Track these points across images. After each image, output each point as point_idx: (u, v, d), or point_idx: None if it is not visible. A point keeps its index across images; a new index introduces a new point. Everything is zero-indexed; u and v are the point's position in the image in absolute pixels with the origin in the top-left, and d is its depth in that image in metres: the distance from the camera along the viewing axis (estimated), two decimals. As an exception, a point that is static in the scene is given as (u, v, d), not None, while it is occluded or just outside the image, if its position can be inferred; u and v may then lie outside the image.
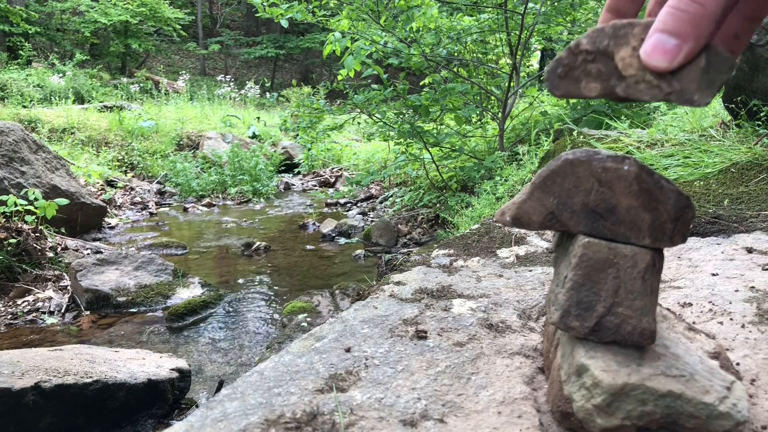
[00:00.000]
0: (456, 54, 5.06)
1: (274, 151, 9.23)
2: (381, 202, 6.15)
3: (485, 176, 4.31)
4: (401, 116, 4.66)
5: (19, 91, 9.85)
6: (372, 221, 5.24)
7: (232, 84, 15.34)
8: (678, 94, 0.48)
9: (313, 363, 0.79)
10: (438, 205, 4.69)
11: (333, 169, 8.97)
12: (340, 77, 4.60)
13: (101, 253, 3.74)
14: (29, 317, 2.91)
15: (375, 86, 4.87)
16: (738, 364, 0.76)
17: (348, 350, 0.83)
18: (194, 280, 3.32)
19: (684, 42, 0.46)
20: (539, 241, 1.50)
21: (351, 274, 3.69)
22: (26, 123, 7.39)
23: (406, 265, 1.39)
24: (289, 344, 0.87)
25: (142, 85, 14.04)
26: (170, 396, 1.95)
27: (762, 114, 2.17)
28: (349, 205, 6.44)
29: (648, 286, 0.59)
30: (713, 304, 0.96)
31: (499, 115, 4.85)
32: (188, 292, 3.18)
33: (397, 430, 0.63)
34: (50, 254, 3.58)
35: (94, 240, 4.55)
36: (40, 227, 3.66)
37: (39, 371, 1.72)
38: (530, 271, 1.25)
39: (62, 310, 2.99)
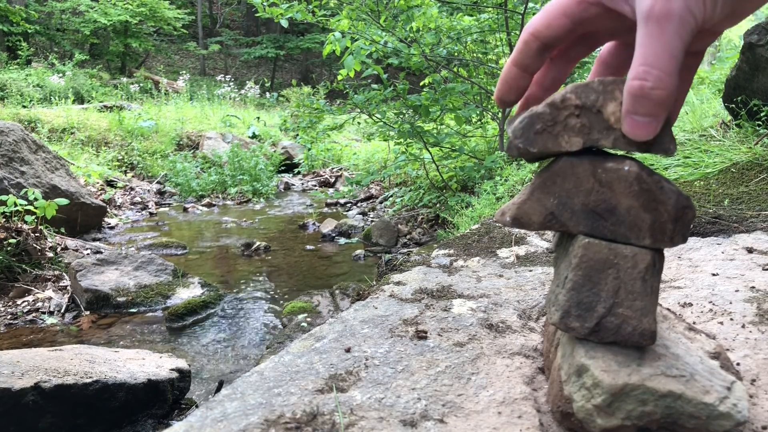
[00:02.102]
0: (456, 54, 5.06)
1: (274, 151, 9.24)
2: (381, 202, 6.15)
3: (485, 176, 4.31)
4: (401, 116, 4.66)
5: (18, 91, 9.85)
6: (372, 221, 5.24)
7: (232, 84, 15.34)
8: (658, 146, 0.54)
9: (313, 363, 0.79)
10: (438, 205, 4.69)
11: (333, 169, 8.97)
12: (340, 77, 4.60)
13: (101, 253, 3.74)
14: (29, 317, 2.91)
15: (375, 86, 4.87)
16: (738, 364, 0.76)
17: (348, 350, 0.83)
18: (194, 280, 3.32)
19: (656, 118, 0.51)
20: (539, 241, 1.50)
21: (351, 274, 3.69)
22: (26, 123, 7.39)
23: (406, 265, 1.39)
24: (289, 344, 0.87)
25: (141, 85, 14.04)
26: (170, 396, 1.95)
27: (762, 114, 2.17)
28: (349, 205, 6.44)
29: (648, 286, 0.59)
30: (713, 304, 0.96)
31: (499, 115, 4.85)
32: (188, 292, 3.18)
33: (397, 431, 0.63)
34: (50, 254, 3.58)
35: (94, 240, 4.55)
36: (39, 227, 3.66)
37: (39, 371, 1.72)
38: (530, 271, 1.25)
39: (62, 310, 2.99)
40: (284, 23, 4.33)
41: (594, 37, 0.61)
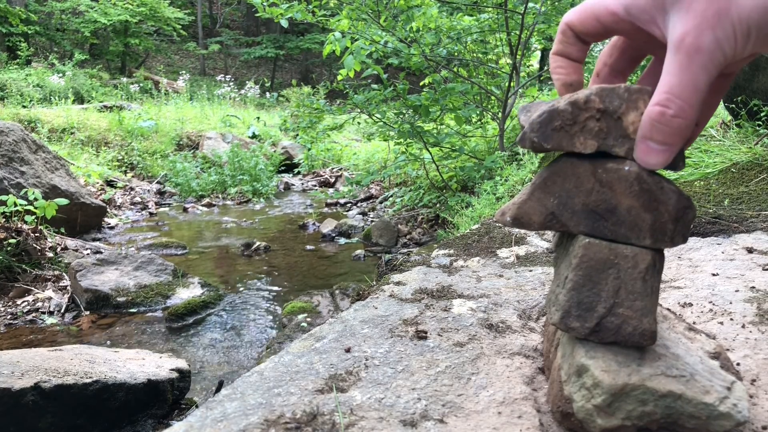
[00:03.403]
0: (456, 54, 5.06)
1: (274, 151, 9.23)
2: (381, 202, 6.15)
3: (485, 176, 4.31)
4: (401, 116, 4.66)
5: (18, 91, 9.85)
6: (372, 221, 5.24)
7: (232, 84, 15.34)
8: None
9: (313, 363, 0.79)
10: (438, 205, 4.69)
11: (333, 169, 8.97)
12: (340, 77, 4.60)
13: (101, 253, 3.74)
14: (29, 317, 2.91)
15: (375, 86, 4.87)
16: (738, 364, 0.76)
17: (348, 350, 0.83)
18: (194, 280, 3.32)
19: (671, 147, 0.52)
20: (539, 241, 1.50)
21: (351, 274, 3.69)
22: (26, 123, 7.39)
23: (406, 265, 1.39)
24: (289, 344, 0.87)
25: (141, 84, 14.04)
26: (170, 396, 1.95)
27: (762, 114, 2.17)
28: (349, 205, 6.44)
29: (649, 286, 0.59)
30: (713, 304, 0.96)
31: (499, 115, 4.85)
32: (188, 292, 3.17)
33: (397, 431, 0.63)
34: (50, 254, 3.58)
35: (94, 240, 4.55)
36: (39, 227, 3.66)
37: (39, 371, 1.72)
38: (530, 271, 1.25)
39: (62, 310, 2.99)
40: (284, 23, 4.33)
41: (635, 49, 0.61)
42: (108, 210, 5.32)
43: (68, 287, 3.24)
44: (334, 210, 6.27)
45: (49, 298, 3.09)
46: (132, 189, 6.84)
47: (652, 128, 0.51)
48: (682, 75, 0.48)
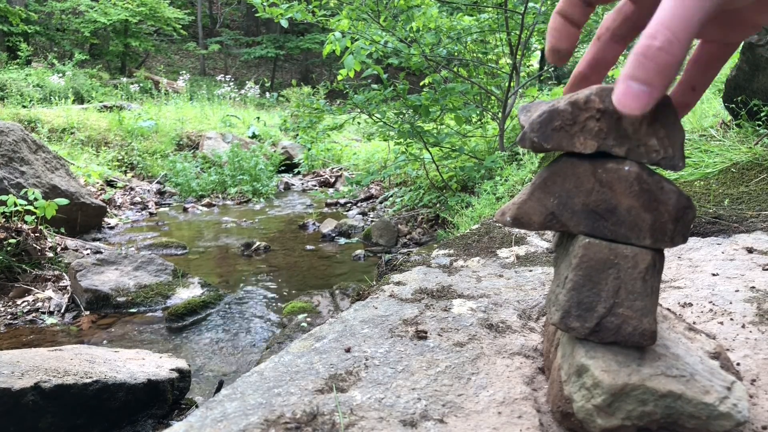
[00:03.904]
0: (456, 54, 5.06)
1: (274, 151, 9.23)
2: (381, 202, 6.15)
3: (485, 176, 4.31)
4: (401, 116, 4.66)
5: (18, 91, 9.85)
6: (372, 221, 5.24)
7: (232, 84, 15.34)
8: (669, 159, 0.55)
9: (313, 363, 0.79)
10: (438, 205, 4.69)
11: (333, 169, 8.97)
12: (340, 77, 4.60)
13: (101, 253, 3.74)
14: (29, 317, 2.91)
15: (375, 86, 4.87)
16: (738, 364, 0.76)
17: (348, 350, 0.83)
18: (194, 280, 3.32)
19: (653, 89, 0.47)
20: (539, 241, 1.50)
21: (351, 274, 3.69)
22: (26, 123, 7.39)
23: (406, 265, 1.39)
24: (289, 344, 0.87)
25: (141, 85, 14.04)
26: (170, 396, 1.95)
27: (762, 114, 2.17)
28: (349, 205, 6.44)
29: (649, 286, 0.59)
30: (713, 304, 0.96)
31: (499, 115, 4.85)
32: (188, 292, 3.17)
33: (397, 431, 0.63)
34: (50, 254, 3.58)
35: (94, 240, 4.55)
36: (39, 227, 3.66)
37: (39, 371, 1.72)
38: (530, 271, 1.25)
39: (62, 310, 2.99)
40: (284, 23, 4.33)
41: (639, 16, 0.59)
42: (108, 210, 5.32)
43: (68, 287, 3.24)
44: (334, 210, 6.27)
45: (49, 298, 3.09)
46: (132, 189, 6.84)
47: (635, 64, 0.47)
48: (675, 7, 0.45)
